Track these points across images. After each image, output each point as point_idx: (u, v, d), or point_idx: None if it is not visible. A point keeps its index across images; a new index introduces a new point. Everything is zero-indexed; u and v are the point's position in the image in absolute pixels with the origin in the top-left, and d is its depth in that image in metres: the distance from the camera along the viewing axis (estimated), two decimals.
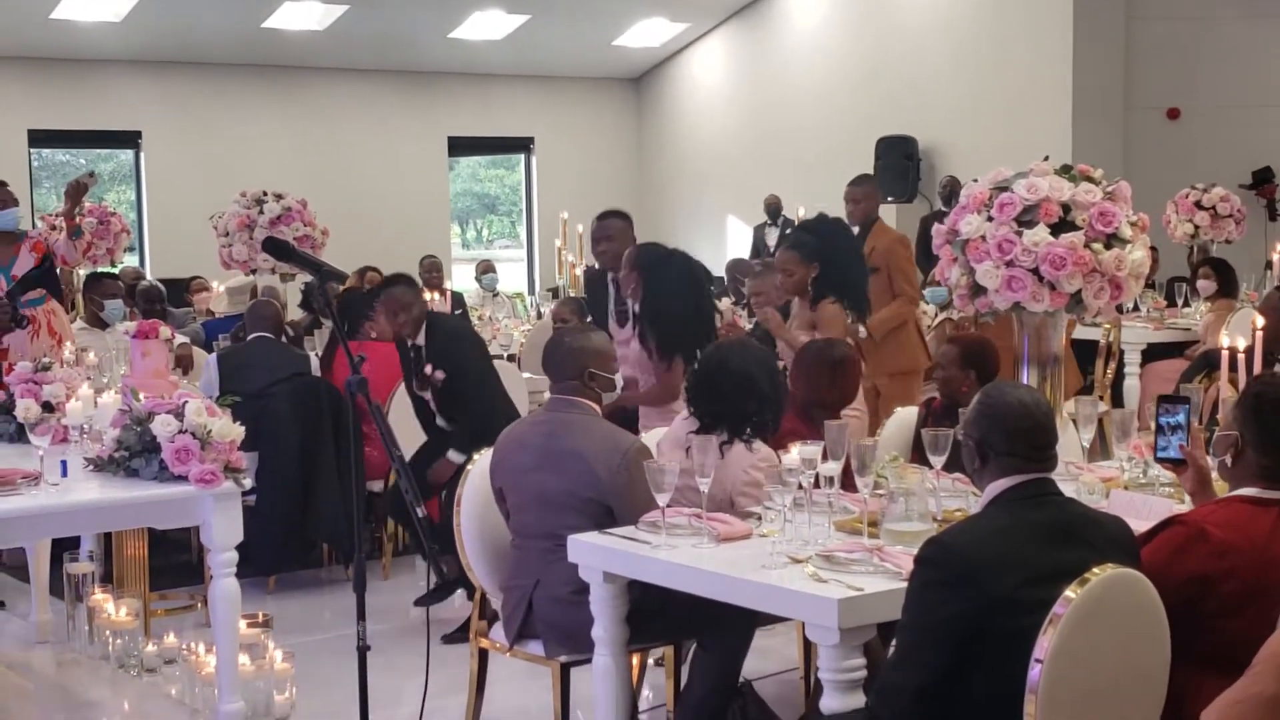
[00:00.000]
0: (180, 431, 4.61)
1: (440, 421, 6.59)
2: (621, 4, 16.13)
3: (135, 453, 4.69)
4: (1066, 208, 4.70)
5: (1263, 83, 13.19)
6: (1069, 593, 3.07)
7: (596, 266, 7.20)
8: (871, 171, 14.26)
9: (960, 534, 3.27)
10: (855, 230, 7.34)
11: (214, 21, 14.98)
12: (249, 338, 7.52)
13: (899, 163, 14.41)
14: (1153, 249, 10.13)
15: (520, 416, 6.45)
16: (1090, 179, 4.78)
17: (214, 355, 7.58)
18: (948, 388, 5.33)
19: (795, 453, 3.97)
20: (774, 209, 14.67)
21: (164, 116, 15.85)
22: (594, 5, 15.87)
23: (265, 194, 9.74)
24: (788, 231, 13.30)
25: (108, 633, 5.75)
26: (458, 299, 11.40)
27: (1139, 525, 3.59)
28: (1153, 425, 3.94)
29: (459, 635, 6.00)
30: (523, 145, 18.27)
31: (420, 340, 6.50)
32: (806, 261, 6.26)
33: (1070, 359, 7.93)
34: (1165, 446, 3.86)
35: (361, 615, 3.74)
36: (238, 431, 4.69)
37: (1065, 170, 4.81)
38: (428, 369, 6.47)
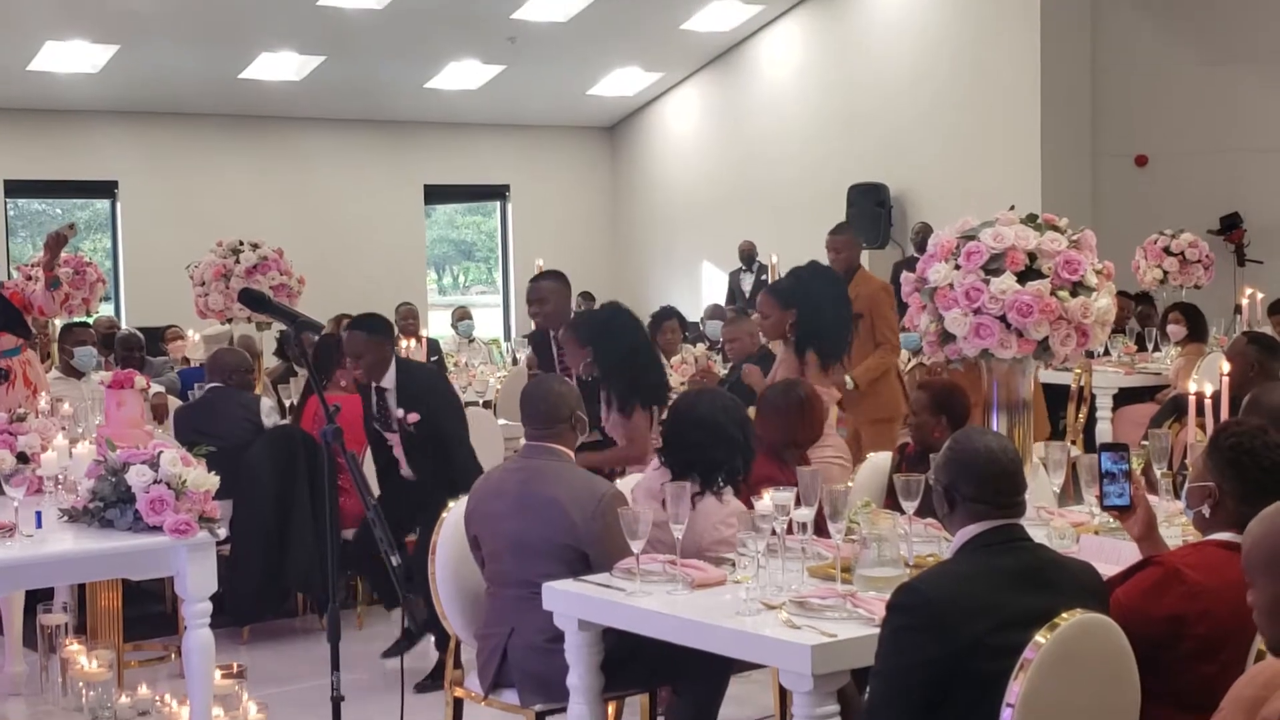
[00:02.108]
0: (155, 482, 4.61)
1: (405, 470, 6.56)
2: (596, 54, 16.25)
3: (110, 503, 4.69)
4: (1032, 256, 4.76)
5: (1229, 128, 13.34)
6: (1039, 638, 3.11)
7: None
8: (844, 218, 14.40)
9: (931, 580, 3.30)
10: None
11: (191, 72, 15.03)
12: (205, 388, 7.56)
13: (871, 209, 14.51)
14: (1126, 296, 10.31)
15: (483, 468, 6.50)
16: (1055, 228, 4.84)
17: (174, 412, 7.63)
18: (920, 433, 5.38)
19: (768, 499, 4.00)
20: (748, 255, 14.76)
21: (141, 166, 15.87)
22: (568, 55, 15.99)
23: (241, 243, 9.75)
24: (763, 278, 13.39)
25: (81, 684, 5.71)
26: (433, 346, 11.42)
27: (1109, 570, 3.62)
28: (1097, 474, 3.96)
29: (430, 683, 6.01)
30: (498, 193, 18.34)
31: (387, 384, 6.47)
32: (783, 306, 6.37)
33: (1040, 404, 7.97)
34: (1116, 493, 3.88)
35: (336, 665, 3.74)
36: (212, 481, 4.70)
37: (1031, 219, 4.87)
38: (399, 413, 6.44)
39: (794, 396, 5.32)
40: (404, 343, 9.97)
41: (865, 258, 13.95)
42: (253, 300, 4.19)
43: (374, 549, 5.78)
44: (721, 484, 4.66)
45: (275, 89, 15.65)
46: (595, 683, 4.17)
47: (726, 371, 8.43)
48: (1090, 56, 13.55)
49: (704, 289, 16.89)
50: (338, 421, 3.79)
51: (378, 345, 6.46)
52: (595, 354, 6.27)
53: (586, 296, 15.75)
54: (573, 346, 6.40)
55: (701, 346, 10.40)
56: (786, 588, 3.91)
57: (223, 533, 4.71)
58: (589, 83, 17.13)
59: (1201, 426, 4.89)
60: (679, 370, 9.42)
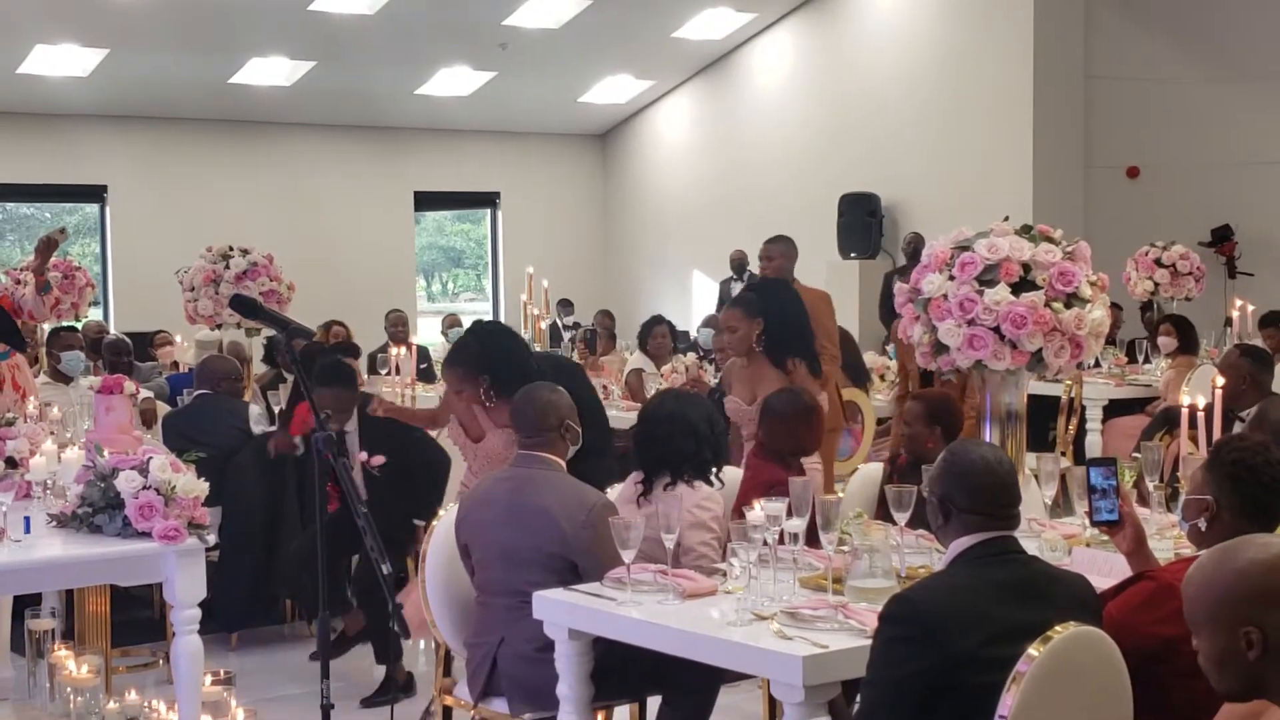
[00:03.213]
0: (144, 488, 4.59)
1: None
2: (587, 61, 16.25)
3: (99, 509, 4.67)
4: (1027, 267, 4.76)
5: (1221, 142, 13.38)
6: (1032, 650, 3.09)
7: None
8: (835, 228, 14.42)
9: (924, 591, 3.28)
10: None
11: (181, 77, 15.01)
12: (193, 395, 7.54)
13: (862, 219, 14.52)
14: (1116, 307, 10.32)
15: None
16: (1050, 239, 4.84)
17: (162, 418, 7.62)
18: (913, 444, 5.37)
19: (759, 509, 3.99)
20: (739, 264, 14.76)
21: (130, 171, 15.85)
22: (560, 63, 15.99)
23: (231, 249, 9.73)
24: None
25: (69, 690, 5.68)
26: (423, 353, 11.41)
27: (1101, 582, 3.62)
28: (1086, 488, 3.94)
29: (378, 699, 6.06)
30: (489, 200, 18.33)
31: (350, 427, 6.39)
32: (750, 317, 6.27)
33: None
34: (1105, 508, 3.86)
35: (325, 673, 3.72)
36: (201, 487, 4.67)
37: (1025, 230, 4.87)
38: (362, 456, 6.29)
39: (804, 404, 5.37)
40: (394, 350, 9.97)
41: (855, 267, 14.09)
42: (244, 306, 4.19)
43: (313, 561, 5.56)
44: (690, 476, 4.75)
45: (265, 94, 15.63)
46: (585, 692, 4.16)
47: (717, 382, 8.42)
48: (1083, 68, 13.58)
49: (694, 297, 16.90)
50: None
51: (348, 396, 6.42)
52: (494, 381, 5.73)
53: (565, 305, 15.74)
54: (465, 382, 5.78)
55: (692, 356, 10.40)
56: (778, 598, 3.90)
57: (212, 539, 4.69)
58: (580, 90, 17.13)
59: (1193, 439, 4.90)
60: (669, 379, 9.41)
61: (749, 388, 6.20)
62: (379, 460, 6.25)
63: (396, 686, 6.15)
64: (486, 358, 5.63)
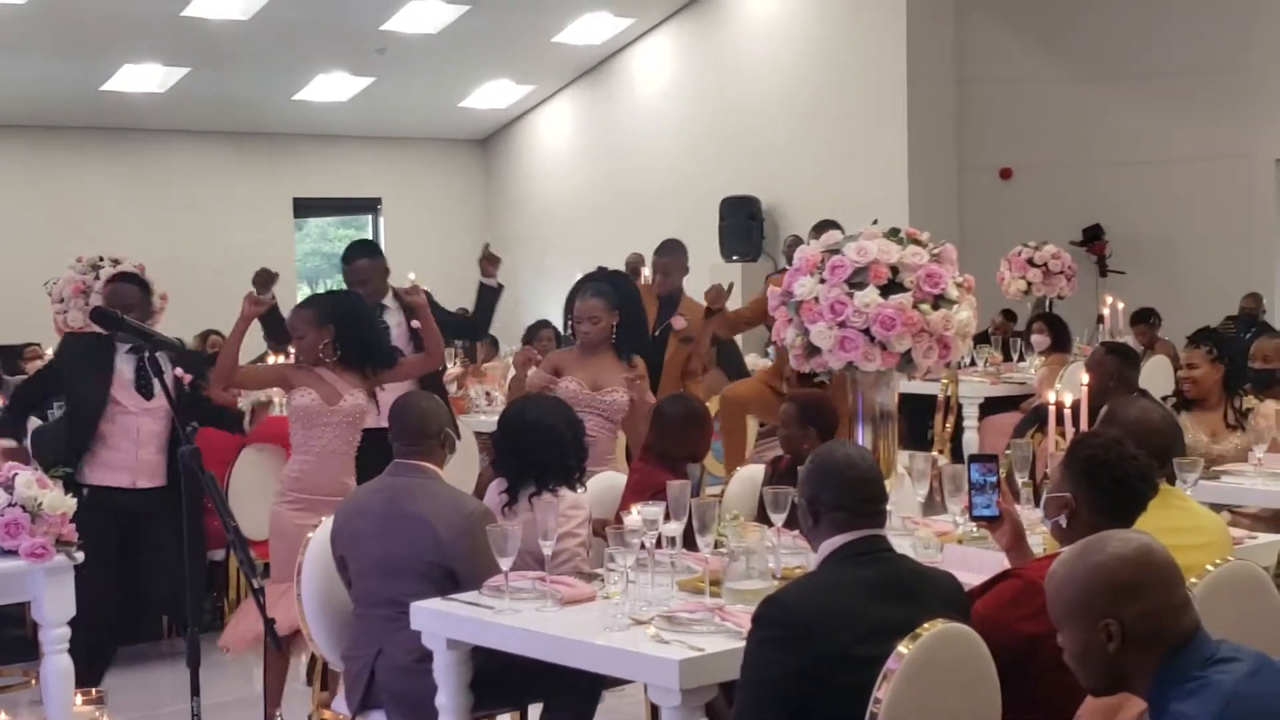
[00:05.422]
0: (10, 505, 4.49)
1: None
2: (467, 66, 16.18)
3: None
4: (895, 269, 4.82)
5: (1091, 143, 13.67)
6: (901, 648, 3.13)
7: None
8: (717, 231, 14.48)
9: (794, 592, 3.32)
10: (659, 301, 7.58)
11: (53, 84, 14.69)
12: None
13: (743, 222, 14.61)
14: (1010, 315, 10.39)
15: None
16: (917, 242, 4.91)
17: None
18: (789, 446, 5.41)
19: (636, 513, 4.00)
20: (634, 268, 14.67)
21: (0, 180, 15.48)
22: (439, 67, 15.90)
23: (101, 259, 9.52)
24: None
25: None
26: None
27: (972, 579, 3.67)
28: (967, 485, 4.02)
29: None
30: (370, 206, 18.18)
31: (388, 302, 6.67)
32: (611, 309, 6.32)
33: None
34: (983, 504, 3.93)
35: (196, 690, 3.67)
36: (69, 504, 4.58)
37: (893, 233, 4.93)
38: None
39: (695, 410, 5.41)
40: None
41: (738, 269, 14.17)
42: (105, 319, 4.11)
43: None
44: (555, 484, 4.69)
45: (139, 101, 15.36)
46: (465, 702, 4.14)
47: None
48: (955, 71, 13.80)
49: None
50: (197, 442, 3.73)
51: (372, 267, 6.64)
52: (338, 332, 5.85)
53: (464, 313, 15.61)
54: (309, 327, 5.92)
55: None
56: (656, 602, 3.91)
57: (80, 556, 4.59)
58: (460, 95, 17.05)
59: (1062, 435, 4.99)
60: None
61: (591, 374, 6.22)
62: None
63: None
64: (338, 312, 5.81)
